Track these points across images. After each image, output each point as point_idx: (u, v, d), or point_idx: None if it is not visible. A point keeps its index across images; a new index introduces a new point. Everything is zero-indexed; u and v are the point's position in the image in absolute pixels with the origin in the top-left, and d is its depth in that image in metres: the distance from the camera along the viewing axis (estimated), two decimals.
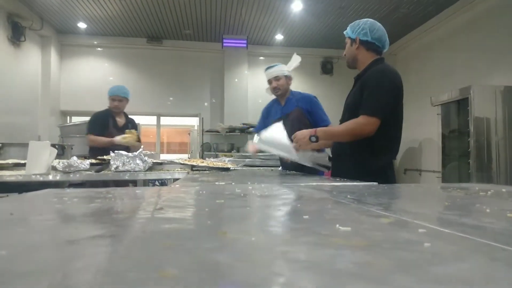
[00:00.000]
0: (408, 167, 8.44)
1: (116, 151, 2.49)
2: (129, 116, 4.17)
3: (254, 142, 3.20)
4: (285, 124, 3.08)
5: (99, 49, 8.41)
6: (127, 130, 3.58)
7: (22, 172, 2.41)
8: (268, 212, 0.63)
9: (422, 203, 0.82)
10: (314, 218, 0.57)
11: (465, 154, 5.37)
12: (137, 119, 9.13)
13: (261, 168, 3.18)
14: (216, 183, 1.35)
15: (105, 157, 2.73)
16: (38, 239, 0.46)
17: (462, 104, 5.46)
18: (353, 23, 2.04)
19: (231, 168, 2.67)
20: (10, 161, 2.75)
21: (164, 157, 9.77)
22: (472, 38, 6.48)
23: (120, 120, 3.92)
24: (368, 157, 1.71)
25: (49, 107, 7.74)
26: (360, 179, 1.57)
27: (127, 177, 2.38)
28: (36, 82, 7.57)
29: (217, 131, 8.06)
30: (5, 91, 6.44)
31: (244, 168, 3.19)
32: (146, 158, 2.51)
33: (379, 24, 2.01)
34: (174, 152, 12.49)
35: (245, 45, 8.32)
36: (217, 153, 8.09)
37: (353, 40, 1.99)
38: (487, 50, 6.10)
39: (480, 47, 6.28)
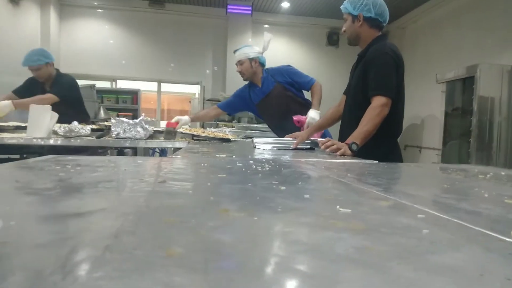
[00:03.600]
0: (408, 143, 8.45)
1: (117, 118, 2.48)
2: (63, 74, 3.57)
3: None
4: (268, 103, 3.04)
5: (99, 10, 8.20)
6: None
7: (23, 135, 2.41)
8: (270, 189, 0.64)
9: (422, 185, 0.82)
10: (315, 198, 0.58)
11: (466, 133, 5.37)
12: (138, 84, 9.11)
13: None
14: (217, 155, 1.36)
15: (105, 123, 2.73)
16: (44, 210, 0.47)
17: (467, 83, 5.40)
18: None
19: (231, 140, 2.68)
20: (11, 123, 2.75)
21: (165, 124, 9.77)
22: (482, 15, 6.32)
23: (47, 86, 3.33)
24: (374, 139, 1.70)
25: None
26: (367, 158, 1.60)
27: (127, 144, 2.39)
28: (36, 43, 7.41)
29: (219, 101, 8.01)
30: (4, 51, 6.34)
31: (244, 139, 3.20)
32: (147, 126, 2.51)
33: None
34: None
35: (249, 12, 8.11)
36: (218, 122, 8.07)
37: (355, 17, 1.91)
38: (497, 28, 5.96)
39: (489, 24, 6.13)
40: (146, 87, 9.32)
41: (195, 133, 2.63)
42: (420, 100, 8.07)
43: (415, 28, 8.51)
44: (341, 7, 1.99)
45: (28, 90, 3.21)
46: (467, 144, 5.27)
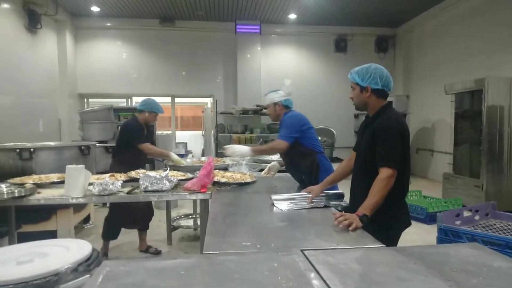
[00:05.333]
0: (420, 146, 8.53)
1: (143, 173, 2.69)
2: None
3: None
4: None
5: (112, 31, 8.45)
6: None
7: (60, 191, 2.64)
8: None
9: None
10: None
11: (477, 142, 5.45)
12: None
13: (280, 177, 3.32)
14: (243, 243, 1.55)
15: (133, 174, 2.96)
16: None
17: (476, 94, 5.47)
18: (359, 69, 2.08)
19: (250, 182, 2.88)
20: (45, 177, 3.00)
21: (179, 134, 9.99)
22: (490, 21, 6.34)
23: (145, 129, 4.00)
24: (383, 203, 1.86)
25: (67, 90, 7.96)
26: (376, 221, 1.81)
27: (155, 199, 2.61)
28: (54, 67, 7.73)
29: (231, 113, 8.20)
30: (26, 77, 6.66)
31: (261, 174, 3.39)
32: (172, 178, 2.71)
33: (385, 69, 2.08)
34: (188, 127, 12.71)
35: (258, 30, 8.27)
36: (231, 134, 8.29)
37: (363, 88, 2.05)
38: (505, 35, 5.99)
39: (497, 31, 6.15)
40: (160, 99, 9.55)
41: (214, 179, 2.81)
42: (430, 103, 8.14)
43: (422, 32, 8.53)
44: (349, 76, 2.12)
45: (147, 135, 3.91)
46: (478, 149, 5.34)
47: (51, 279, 1.54)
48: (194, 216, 4.62)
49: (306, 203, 2.23)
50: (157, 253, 3.82)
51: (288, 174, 3.24)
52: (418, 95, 8.65)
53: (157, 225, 4.43)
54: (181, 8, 7.72)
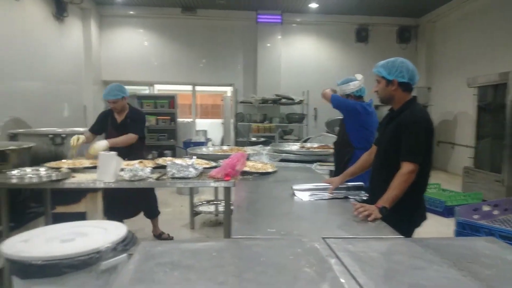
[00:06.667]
0: (441, 139, 8.44)
1: (170, 161, 2.83)
2: (135, 109, 4.04)
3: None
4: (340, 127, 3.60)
5: (135, 19, 8.59)
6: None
7: (92, 175, 2.80)
8: None
9: None
10: None
11: (499, 136, 5.39)
12: (173, 86, 9.51)
13: (300, 168, 3.44)
14: (268, 229, 1.66)
15: (161, 161, 3.10)
16: None
17: (500, 87, 5.39)
18: (385, 63, 2.11)
19: (271, 172, 2.98)
20: (79, 163, 3.17)
21: (199, 122, 10.14)
22: None
23: (119, 117, 3.84)
24: (402, 197, 1.93)
25: (91, 77, 8.18)
26: (395, 213, 1.87)
27: (182, 185, 2.74)
28: (79, 54, 7.95)
29: (250, 103, 8.28)
30: (53, 63, 6.89)
31: (281, 164, 3.48)
32: (198, 166, 2.83)
33: (410, 63, 2.11)
34: (207, 115, 12.85)
35: (279, 20, 8.26)
36: (250, 123, 8.39)
37: (389, 81, 2.08)
38: None
39: None
40: (181, 87, 9.73)
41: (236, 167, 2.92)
42: (452, 96, 8.03)
43: (446, 23, 8.36)
44: (374, 70, 2.15)
45: (100, 125, 3.81)
46: (500, 143, 5.29)
47: (93, 256, 1.69)
48: (215, 202, 4.77)
49: (326, 193, 2.31)
50: (169, 239, 3.99)
51: (307, 165, 3.40)
52: (440, 87, 8.53)
53: (180, 210, 4.60)
54: None
